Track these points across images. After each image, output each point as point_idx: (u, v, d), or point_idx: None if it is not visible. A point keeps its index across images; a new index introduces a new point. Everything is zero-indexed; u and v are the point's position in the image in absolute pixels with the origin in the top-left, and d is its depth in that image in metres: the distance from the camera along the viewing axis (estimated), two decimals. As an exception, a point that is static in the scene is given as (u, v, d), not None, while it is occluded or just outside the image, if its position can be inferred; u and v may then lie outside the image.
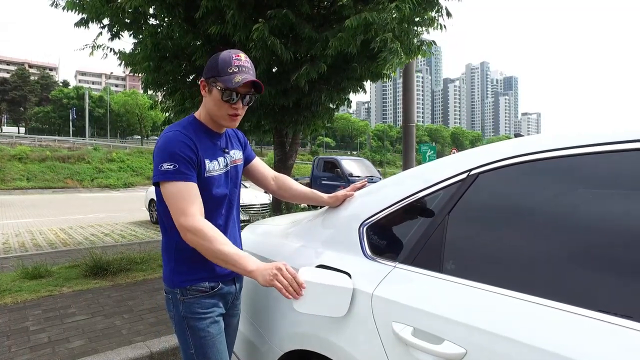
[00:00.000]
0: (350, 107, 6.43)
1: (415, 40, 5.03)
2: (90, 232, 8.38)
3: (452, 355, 0.91)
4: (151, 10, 5.04)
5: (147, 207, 10.27)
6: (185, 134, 1.29)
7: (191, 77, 5.83)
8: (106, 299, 3.67)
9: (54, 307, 3.43)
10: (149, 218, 10.34)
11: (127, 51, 5.84)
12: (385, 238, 1.29)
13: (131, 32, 5.56)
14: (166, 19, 5.21)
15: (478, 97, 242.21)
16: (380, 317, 1.10)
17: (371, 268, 1.21)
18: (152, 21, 5.42)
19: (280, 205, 6.95)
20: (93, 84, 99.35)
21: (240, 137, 1.57)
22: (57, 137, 40.14)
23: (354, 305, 1.17)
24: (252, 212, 8.78)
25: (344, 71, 5.28)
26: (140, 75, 5.86)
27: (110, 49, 5.67)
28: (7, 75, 61.01)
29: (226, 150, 1.43)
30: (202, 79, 1.35)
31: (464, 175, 1.13)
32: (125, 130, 56.85)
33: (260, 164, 1.64)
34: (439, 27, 5.09)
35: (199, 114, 1.39)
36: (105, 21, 5.39)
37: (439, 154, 35.85)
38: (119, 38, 5.64)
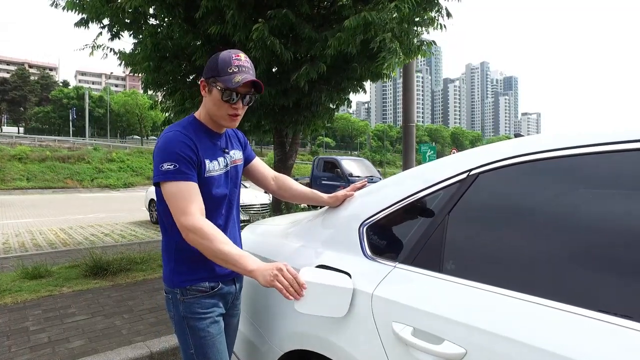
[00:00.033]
0: (350, 107, 6.42)
1: (415, 40, 5.04)
2: (90, 232, 8.37)
3: (452, 355, 0.91)
4: (151, 10, 5.04)
5: (147, 207, 10.27)
6: (186, 134, 1.29)
7: (191, 77, 5.83)
8: (106, 299, 3.67)
9: (54, 307, 3.43)
10: (149, 218, 10.34)
11: (127, 51, 5.84)
12: (385, 238, 1.29)
13: (131, 32, 5.56)
14: (166, 19, 5.21)
15: (478, 97, 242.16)
16: (380, 317, 1.10)
17: (371, 268, 1.21)
18: (152, 21, 5.42)
19: (280, 205, 6.95)
20: (93, 84, 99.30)
21: (240, 137, 1.57)
22: (57, 137, 40.13)
23: (354, 305, 1.17)
24: (252, 212, 8.78)
25: (343, 71, 5.28)
26: (140, 75, 5.86)
27: (110, 49, 5.67)
28: (7, 75, 61.06)
29: (226, 150, 1.43)
30: (202, 79, 1.35)
31: (464, 175, 1.13)
32: (125, 130, 56.81)
33: (260, 164, 1.64)
34: (438, 27, 5.08)
35: (199, 114, 1.39)
36: (105, 21, 5.39)
37: (439, 154, 35.82)
38: (119, 38, 5.64)
